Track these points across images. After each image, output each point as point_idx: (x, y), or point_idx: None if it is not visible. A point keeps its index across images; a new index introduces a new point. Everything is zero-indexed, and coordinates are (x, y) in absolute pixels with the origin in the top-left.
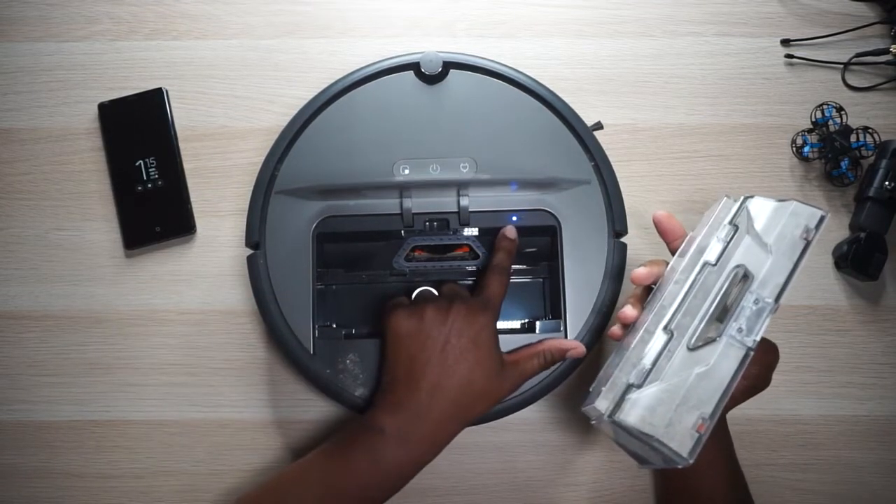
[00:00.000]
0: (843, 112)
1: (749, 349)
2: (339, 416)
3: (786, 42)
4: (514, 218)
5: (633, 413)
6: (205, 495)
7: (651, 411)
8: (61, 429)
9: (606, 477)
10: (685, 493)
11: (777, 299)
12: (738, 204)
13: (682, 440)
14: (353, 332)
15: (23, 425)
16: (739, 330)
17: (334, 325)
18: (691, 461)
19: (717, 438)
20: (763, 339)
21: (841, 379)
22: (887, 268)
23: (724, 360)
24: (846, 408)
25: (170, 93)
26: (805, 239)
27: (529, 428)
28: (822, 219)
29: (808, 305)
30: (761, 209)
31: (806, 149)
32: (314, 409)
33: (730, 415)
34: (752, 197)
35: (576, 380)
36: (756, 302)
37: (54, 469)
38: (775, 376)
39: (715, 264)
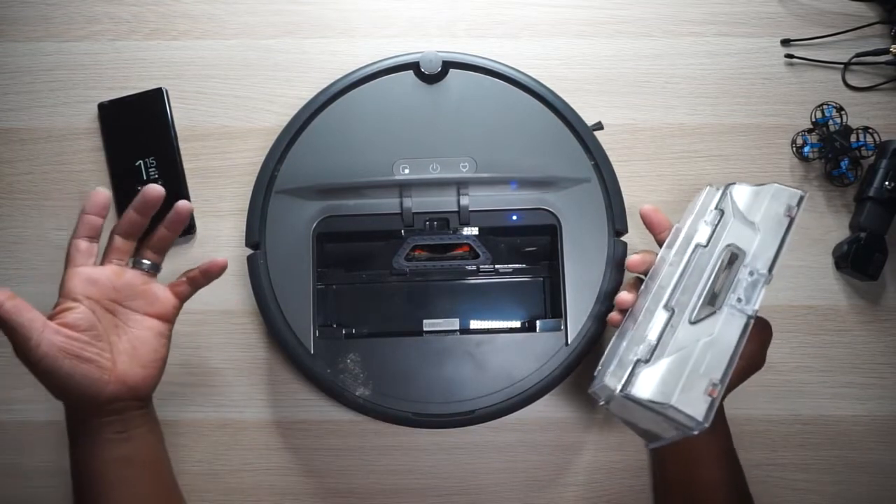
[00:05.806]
0: (843, 112)
1: (749, 317)
2: (339, 415)
3: (786, 42)
4: (515, 217)
5: (645, 386)
6: (205, 495)
7: (663, 382)
8: (63, 429)
9: (606, 477)
10: (685, 492)
11: (770, 270)
12: (721, 191)
13: (695, 405)
14: (354, 331)
15: (24, 425)
16: (739, 300)
17: (334, 325)
18: (706, 425)
19: (716, 433)
20: (758, 317)
21: (841, 379)
22: (887, 268)
23: (727, 328)
24: (846, 408)
25: (170, 93)
26: (789, 216)
27: (529, 428)
28: (801, 198)
29: (808, 305)
30: (743, 194)
31: (806, 149)
32: (314, 409)
33: (730, 415)
34: (733, 184)
35: (575, 379)
36: (751, 274)
37: (55, 469)
38: (776, 376)
39: (706, 245)
